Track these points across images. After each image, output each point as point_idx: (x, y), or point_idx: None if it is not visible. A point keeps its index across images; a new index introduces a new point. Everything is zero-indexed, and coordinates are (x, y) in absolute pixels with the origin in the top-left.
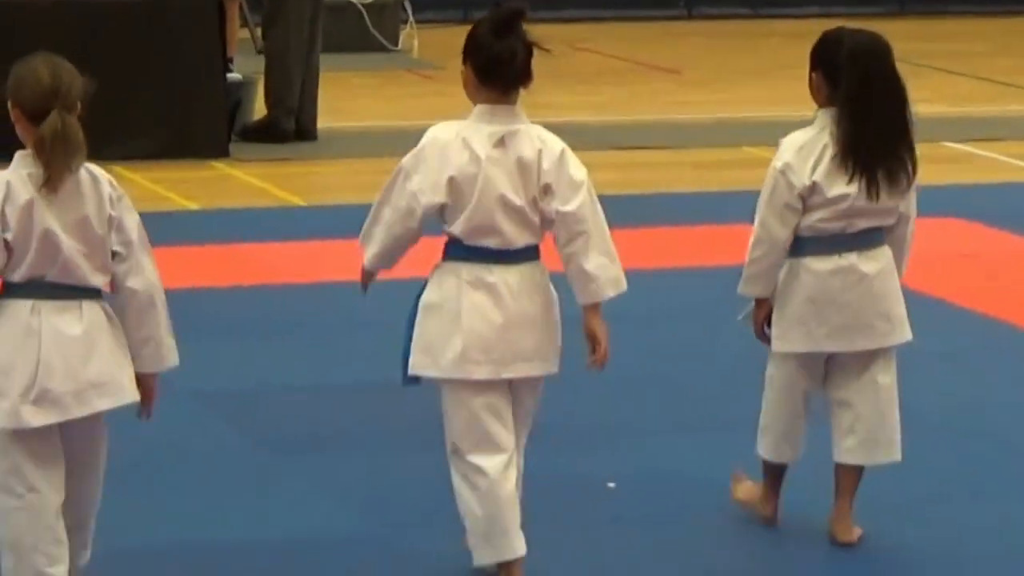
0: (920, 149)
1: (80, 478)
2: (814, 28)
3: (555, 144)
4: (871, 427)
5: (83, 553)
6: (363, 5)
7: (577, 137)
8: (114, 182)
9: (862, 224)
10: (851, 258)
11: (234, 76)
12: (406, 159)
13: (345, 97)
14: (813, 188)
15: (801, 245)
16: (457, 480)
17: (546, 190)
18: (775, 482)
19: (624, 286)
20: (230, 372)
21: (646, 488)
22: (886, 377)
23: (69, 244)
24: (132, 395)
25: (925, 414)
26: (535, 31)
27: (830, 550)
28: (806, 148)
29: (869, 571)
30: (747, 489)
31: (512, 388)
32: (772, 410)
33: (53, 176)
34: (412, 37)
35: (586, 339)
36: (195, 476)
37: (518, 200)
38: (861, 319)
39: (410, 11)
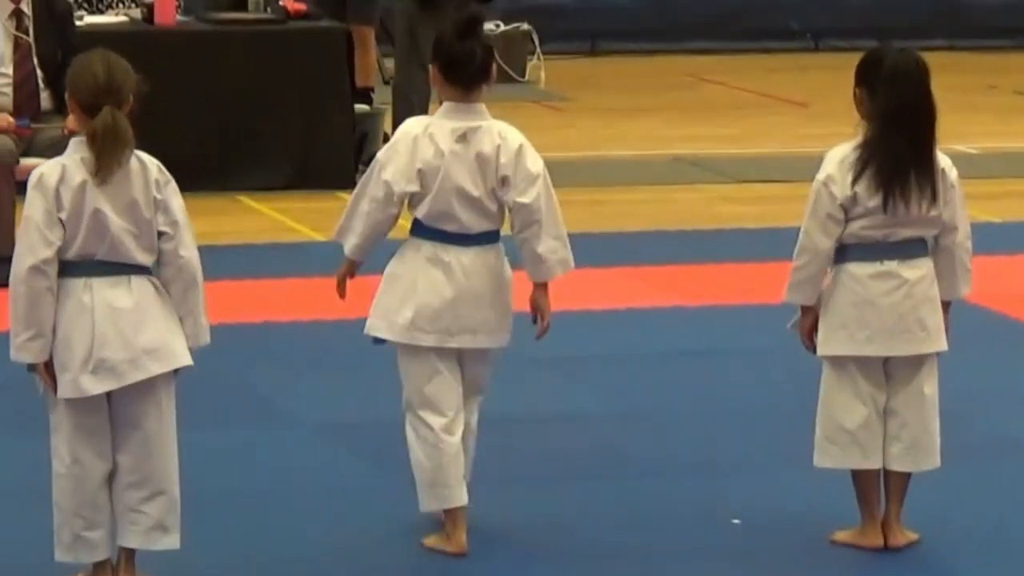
0: None
1: (142, 445)
2: (942, 61)
3: (514, 139)
4: (915, 435)
5: (162, 537)
6: (490, 36)
7: (703, 169)
8: (162, 167)
9: (905, 233)
10: (892, 265)
11: (361, 107)
12: (380, 153)
13: None
14: (854, 199)
15: (845, 252)
16: (409, 432)
17: (504, 181)
18: (868, 503)
19: (571, 266)
20: (359, 404)
21: (771, 524)
22: (930, 387)
23: (118, 224)
24: (185, 359)
25: None
26: (661, 63)
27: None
28: (847, 160)
29: None
30: (847, 532)
31: (462, 358)
32: (835, 417)
33: (103, 166)
34: (539, 68)
35: (532, 312)
36: (322, 508)
37: (475, 191)
38: (900, 324)
39: (537, 42)
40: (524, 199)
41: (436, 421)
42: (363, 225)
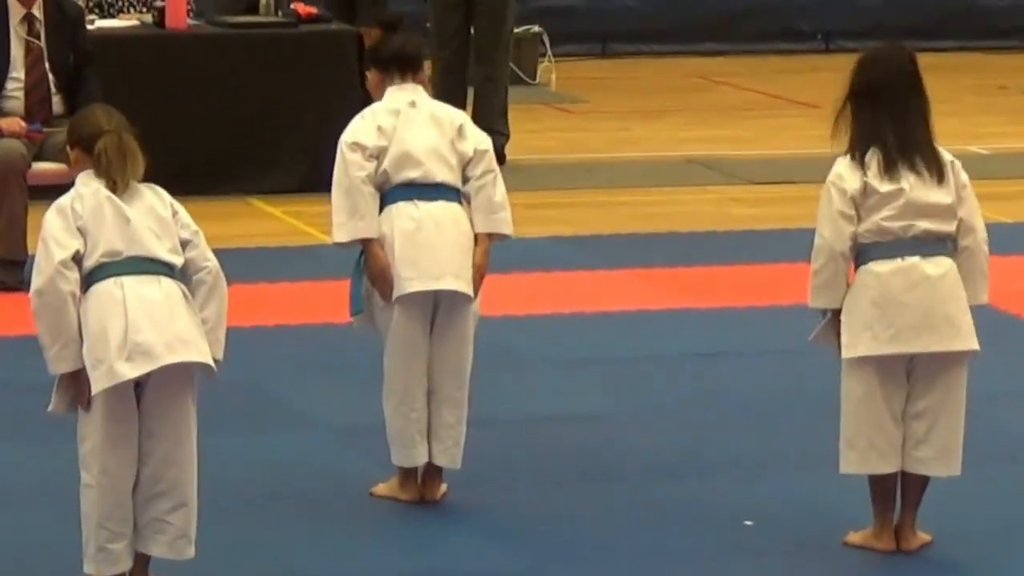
0: None
1: (168, 456)
2: (953, 62)
3: (457, 110)
4: (943, 441)
5: (187, 547)
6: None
7: (714, 171)
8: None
9: (923, 225)
10: (913, 260)
11: None
12: (342, 136)
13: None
14: (865, 189)
15: (866, 252)
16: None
17: (460, 131)
18: (883, 505)
19: (511, 232)
20: (373, 407)
21: (783, 525)
22: (958, 392)
23: (139, 218)
24: (209, 359)
25: None
26: (672, 65)
27: None
28: (854, 159)
29: None
30: (859, 534)
31: (439, 316)
32: (854, 422)
33: (117, 182)
34: (550, 71)
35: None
36: (336, 510)
37: (432, 141)
38: (925, 320)
39: (548, 45)
40: (484, 146)
41: (407, 382)
42: (355, 199)
